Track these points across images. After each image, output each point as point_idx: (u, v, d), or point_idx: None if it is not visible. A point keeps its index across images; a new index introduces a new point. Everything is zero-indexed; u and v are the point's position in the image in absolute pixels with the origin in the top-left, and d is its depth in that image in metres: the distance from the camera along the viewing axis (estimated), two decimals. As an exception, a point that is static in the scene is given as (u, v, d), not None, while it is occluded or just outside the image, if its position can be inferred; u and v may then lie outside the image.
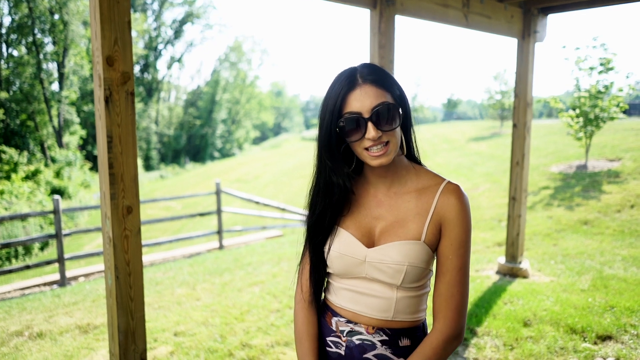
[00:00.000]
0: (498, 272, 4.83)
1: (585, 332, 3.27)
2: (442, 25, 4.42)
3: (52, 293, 5.66)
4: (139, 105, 38.72)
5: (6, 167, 20.10)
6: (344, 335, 1.21)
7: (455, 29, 25.98)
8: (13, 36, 26.38)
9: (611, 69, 9.75)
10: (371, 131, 1.09)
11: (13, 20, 26.32)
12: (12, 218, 6.93)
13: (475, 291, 4.26)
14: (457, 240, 1.13)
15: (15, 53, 26.79)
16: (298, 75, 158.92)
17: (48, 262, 6.89)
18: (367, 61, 1.61)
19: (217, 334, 3.63)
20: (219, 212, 8.98)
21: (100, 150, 1.98)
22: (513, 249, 4.78)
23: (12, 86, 25.74)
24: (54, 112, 26.54)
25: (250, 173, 25.64)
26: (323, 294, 1.32)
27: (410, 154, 1.24)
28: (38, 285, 6.84)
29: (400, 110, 1.13)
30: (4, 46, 26.18)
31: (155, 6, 43.16)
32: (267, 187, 20.57)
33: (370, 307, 1.18)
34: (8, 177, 19.13)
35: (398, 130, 1.14)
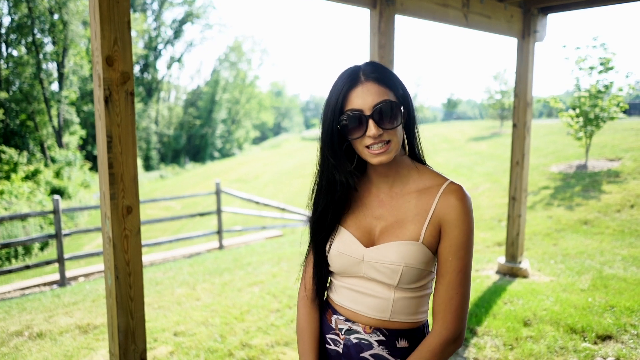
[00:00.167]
0: (498, 272, 4.83)
1: (585, 332, 3.27)
2: (442, 25, 4.42)
3: (52, 293, 5.65)
4: (138, 105, 38.72)
5: (6, 167, 20.10)
6: (342, 333, 1.22)
7: (455, 29, 25.97)
8: (13, 36, 26.37)
9: (611, 68, 9.75)
10: (372, 129, 1.08)
11: (13, 20, 26.32)
12: (12, 218, 6.93)
13: (475, 291, 4.26)
14: (457, 242, 1.11)
15: (15, 53, 26.80)
16: (298, 75, 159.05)
17: (48, 262, 6.88)
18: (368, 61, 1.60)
19: (217, 333, 3.63)
20: (218, 212, 8.98)
21: (100, 150, 1.97)
22: (513, 248, 4.78)
23: (12, 86, 25.74)
24: (53, 112, 26.54)
25: (250, 173, 25.65)
26: (326, 292, 1.33)
27: (413, 154, 1.24)
28: (38, 285, 6.83)
29: (402, 109, 1.13)
30: (3, 46, 26.19)
31: (155, 6, 43.16)
32: (267, 187, 20.58)
33: (368, 306, 1.18)
34: (8, 177, 19.13)
35: (400, 129, 1.13)
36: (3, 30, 25.94)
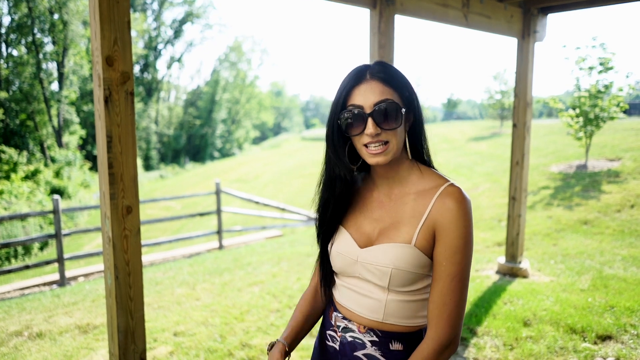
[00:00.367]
0: (498, 272, 4.83)
1: (585, 332, 3.27)
2: (442, 25, 4.42)
3: (52, 293, 5.65)
4: (138, 105, 38.72)
5: (6, 167, 20.11)
6: (339, 330, 1.24)
7: (455, 29, 25.97)
8: (13, 36, 26.39)
9: (611, 68, 9.75)
10: (370, 127, 1.08)
11: (13, 20, 26.32)
12: (11, 218, 6.93)
13: (475, 291, 4.26)
14: (452, 246, 1.07)
15: (14, 53, 26.81)
16: (298, 75, 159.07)
17: (48, 262, 6.89)
18: (368, 61, 1.61)
19: (216, 334, 3.63)
20: (218, 212, 8.98)
21: (100, 150, 1.97)
22: (513, 248, 4.78)
23: (12, 86, 25.75)
24: (53, 112, 26.54)
25: (250, 173, 25.64)
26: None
27: (418, 156, 1.23)
28: (37, 285, 6.83)
29: (404, 111, 1.12)
30: (3, 46, 26.20)
31: (155, 6, 43.16)
32: (267, 187, 20.57)
33: (362, 306, 1.19)
34: (8, 177, 19.13)
35: (400, 130, 1.12)
36: (3, 30, 25.95)
